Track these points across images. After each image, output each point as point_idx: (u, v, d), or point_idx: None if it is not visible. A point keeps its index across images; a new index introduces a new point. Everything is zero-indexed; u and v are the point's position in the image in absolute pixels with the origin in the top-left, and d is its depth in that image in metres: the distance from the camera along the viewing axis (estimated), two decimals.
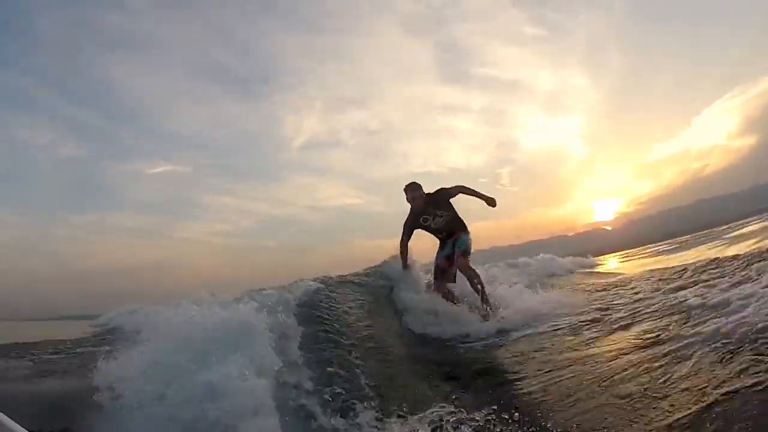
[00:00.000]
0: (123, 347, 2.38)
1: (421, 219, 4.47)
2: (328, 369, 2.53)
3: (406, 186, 4.46)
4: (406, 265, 4.66)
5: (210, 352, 2.15)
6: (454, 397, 2.39)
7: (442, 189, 4.45)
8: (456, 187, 4.45)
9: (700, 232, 10.19)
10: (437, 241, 4.67)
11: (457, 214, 4.52)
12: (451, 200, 4.51)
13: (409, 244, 4.62)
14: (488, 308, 4.00)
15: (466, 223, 4.53)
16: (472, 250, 4.40)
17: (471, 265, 4.27)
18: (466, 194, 4.45)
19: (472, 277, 4.21)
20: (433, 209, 4.42)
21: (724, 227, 9.55)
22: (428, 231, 4.58)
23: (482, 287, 4.17)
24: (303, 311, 3.19)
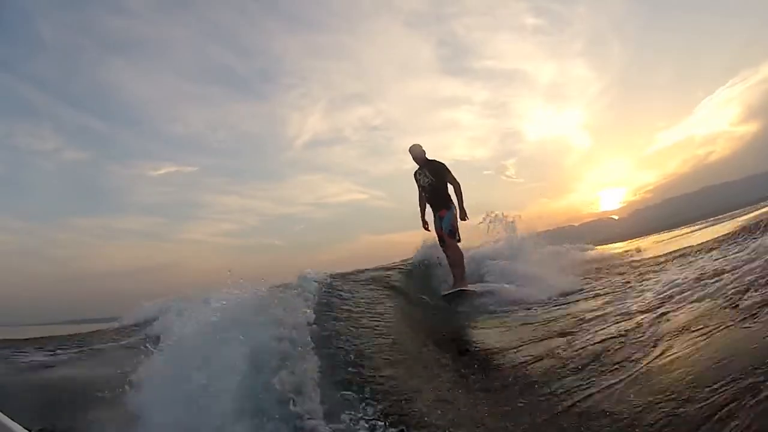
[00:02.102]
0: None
1: (417, 173, 5.12)
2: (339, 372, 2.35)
3: (410, 147, 5.12)
4: (424, 222, 5.13)
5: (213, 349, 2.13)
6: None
7: (443, 165, 5.03)
8: (452, 180, 4.97)
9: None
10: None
11: (444, 190, 5.01)
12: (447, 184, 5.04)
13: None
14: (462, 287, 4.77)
15: (450, 201, 5.00)
16: (458, 228, 4.97)
17: (456, 247, 4.93)
18: (454, 191, 4.97)
19: (453, 264, 4.94)
20: (425, 170, 5.04)
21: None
22: (421, 189, 5.12)
23: (460, 270, 4.86)
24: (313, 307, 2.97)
